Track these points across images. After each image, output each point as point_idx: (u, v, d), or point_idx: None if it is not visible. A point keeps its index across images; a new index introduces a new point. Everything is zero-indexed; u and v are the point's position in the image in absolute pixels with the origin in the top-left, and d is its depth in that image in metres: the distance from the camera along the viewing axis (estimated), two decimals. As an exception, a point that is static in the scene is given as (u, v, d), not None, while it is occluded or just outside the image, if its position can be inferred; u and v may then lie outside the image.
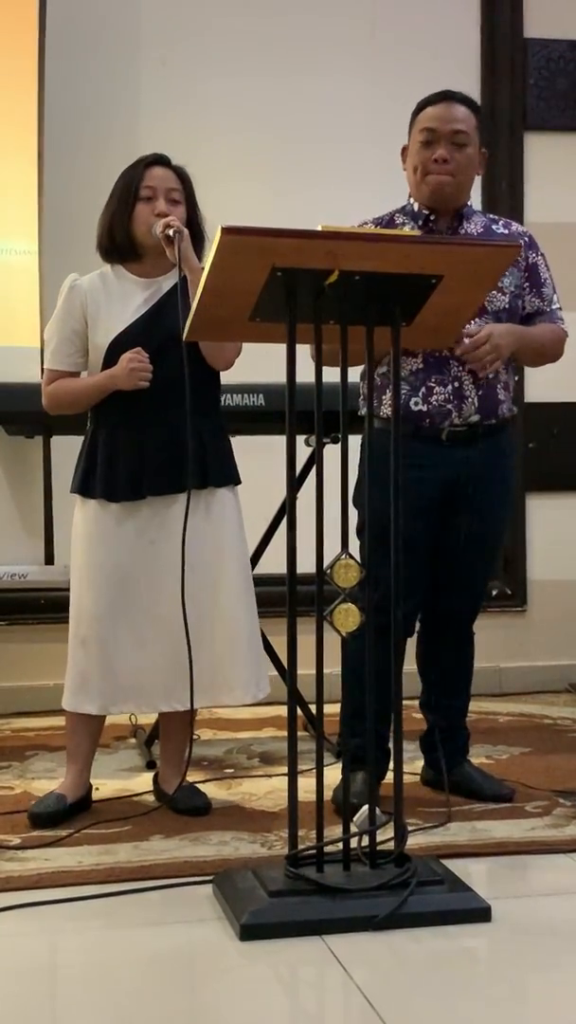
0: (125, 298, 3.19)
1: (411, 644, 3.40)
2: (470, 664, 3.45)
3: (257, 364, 3.29)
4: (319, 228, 2.54)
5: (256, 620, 3.27)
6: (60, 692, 3.27)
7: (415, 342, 2.94)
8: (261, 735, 4.07)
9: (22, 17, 4.23)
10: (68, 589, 3.24)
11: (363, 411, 3.19)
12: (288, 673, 2.59)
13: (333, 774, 2.90)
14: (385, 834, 2.66)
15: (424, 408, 3.19)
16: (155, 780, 3.35)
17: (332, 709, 2.78)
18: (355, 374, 2.80)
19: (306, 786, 2.64)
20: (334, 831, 2.71)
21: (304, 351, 2.64)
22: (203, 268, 3.08)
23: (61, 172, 4.30)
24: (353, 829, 2.63)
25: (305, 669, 2.58)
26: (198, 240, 3.19)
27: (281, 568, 2.61)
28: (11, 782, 3.52)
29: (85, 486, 3.18)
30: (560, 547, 4.86)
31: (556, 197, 4.84)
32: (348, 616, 2.60)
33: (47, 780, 3.45)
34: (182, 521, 3.05)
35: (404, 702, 2.71)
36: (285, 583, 2.57)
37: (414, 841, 2.83)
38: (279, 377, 2.69)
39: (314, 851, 2.58)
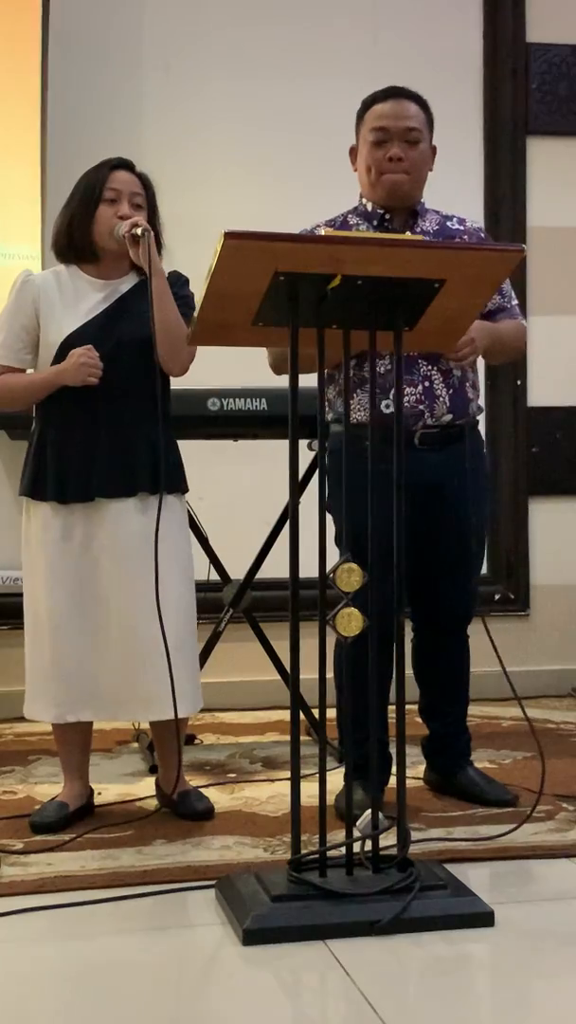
0: (79, 298, 3.14)
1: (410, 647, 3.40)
2: (466, 668, 3.43)
3: (259, 369, 3.29)
4: (322, 232, 2.55)
5: (193, 631, 3.19)
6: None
7: (417, 346, 2.94)
8: (264, 739, 4.07)
9: (25, 22, 4.24)
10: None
11: (330, 415, 3.18)
12: (291, 678, 2.59)
13: (336, 779, 2.90)
14: (388, 839, 2.65)
15: (392, 410, 3.09)
16: (157, 784, 3.35)
17: (335, 714, 2.79)
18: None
19: (309, 790, 2.64)
20: (337, 836, 2.71)
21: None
22: (163, 272, 3.08)
23: (64, 178, 4.27)
24: (356, 833, 2.62)
25: (307, 674, 2.58)
26: (158, 246, 3.15)
27: (283, 572, 2.61)
28: (14, 786, 3.52)
29: (34, 489, 3.13)
30: (563, 551, 4.86)
31: (558, 202, 4.85)
32: (351, 620, 2.60)
33: (50, 784, 3.45)
34: (131, 526, 3.05)
35: (405, 707, 2.70)
36: (288, 587, 2.56)
37: (417, 846, 2.82)
38: (281, 381, 2.70)
39: (317, 855, 2.58)
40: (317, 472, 2.67)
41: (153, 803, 3.30)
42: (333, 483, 2.93)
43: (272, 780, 3.55)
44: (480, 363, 3.37)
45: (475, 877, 2.75)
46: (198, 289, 2.63)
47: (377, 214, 3.26)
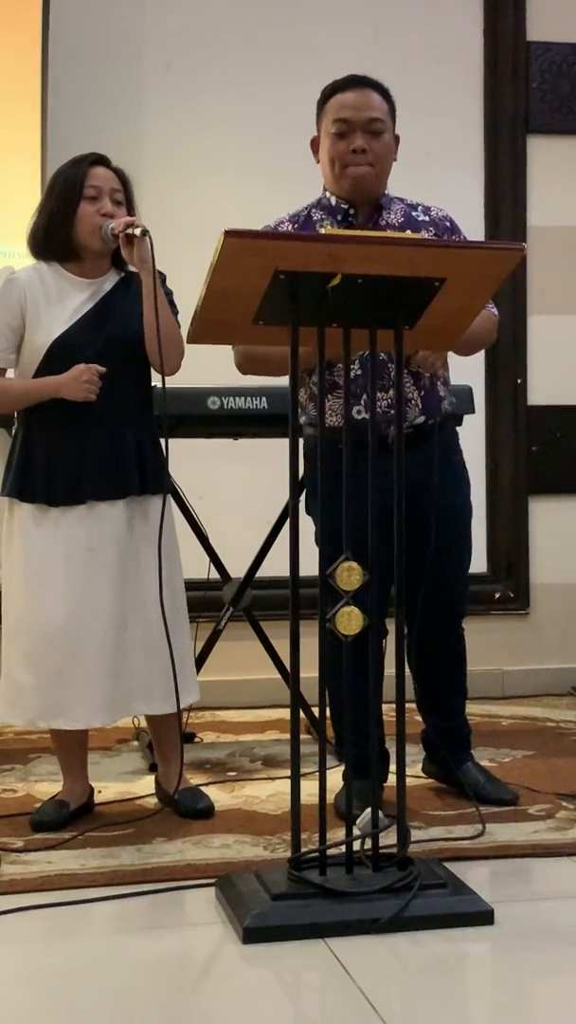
0: (63, 297, 3.11)
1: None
2: (463, 663, 3.42)
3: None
4: (322, 231, 2.55)
5: (185, 629, 3.20)
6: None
7: (419, 345, 2.94)
8: (264, 738, 4.07)
9: (25, 21, 4.24)
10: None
11: (302, 419, 3.16)
12: (291, 676, 2.59)
13: (336, 777, 2.90)
14: (388, 837, 2.66)
15: (368, 415, 2.93)
16: (157, 783, 3.35)
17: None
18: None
19: (309, 789, 2.64)
20: (337, 834, 2.71)
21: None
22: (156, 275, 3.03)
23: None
24: (356, 832, 2.63)
25: (307, 672, 2.58)
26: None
27: (283, 571, 2.61)
28: (14, 785, 3.52)
29: (22, 490, 3.09)
30: (562, 550, 4.86)
31: (559, 200, 4.84)
32: (351, 619, 2.60)
33: (50, 783, 3.45)
34: (122, 527, 3.05)
35: (404, 704, 2.70)
36: (288, 586, 2.56)
37: (417, 844, 2.83)
38: (281, 381, 2.70)
39: (317, 854, 2.58)
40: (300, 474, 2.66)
41: (153, 801, 3.30)
42: (310, 487, 2.92)
43: (272, 778, 3.55)
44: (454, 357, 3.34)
45: (475, 876, 2.75)
46: (197, 288, 2.62)
47: (341, 208, 3.20)
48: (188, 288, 3.10)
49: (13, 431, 3.19)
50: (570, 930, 2.53)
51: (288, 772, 2.62)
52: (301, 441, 2.92)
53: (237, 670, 4.36)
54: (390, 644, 2.78)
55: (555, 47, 4.84)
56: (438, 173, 4.58)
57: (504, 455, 4.83)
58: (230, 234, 2.46)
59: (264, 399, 3.85)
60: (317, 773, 2.60)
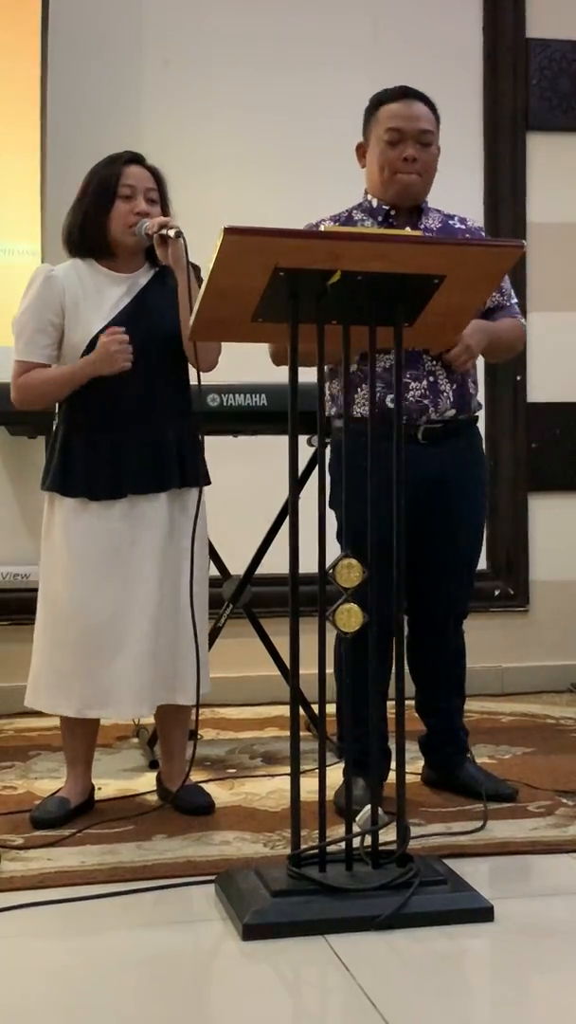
0: (100, 293, 3.13)
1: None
2: (462, 664, 3.44)
3: (259, 364, 3.29)
4: (322, 228, 2.55)
5: (205, 619, 3.22)
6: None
7: (418, 342, 2.94)
8: (263, 735, 4.07)
9: (24, 18, 4.23)
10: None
11: (331, 411, 3.20)
12: (291, 673, 2.59)
13: (335, 774, 2.90)
14: (388, 834, 2.66)
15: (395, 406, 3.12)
16: (158, 779, 3.35)
17: (334, 709, 2.79)
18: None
19: (308, 786, 2.64)
20: (336, 831, 2.71)
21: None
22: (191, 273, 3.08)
23: (64, 173, 4.29)
24: (355, 829, 2.63)
25: (307, 669, 2.58)
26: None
27: (283, 568, 2.61)
28: (14, 782, 3.52)
29: (64, 484, 3.11)
30: (562, 547, 4.86)
31: (558, 197, 4.84)
32: (350, 616, 2.60)
33: (50, 780, 3.46)
34: (162, 520, 3.06)
35: (404, 702, 2.70)
36: (287, 583, 2.56)
37: (416, 841, 2.83)
38: (281, 377, 2.70)
39: (316, 851, 2.58)
40: (317, 468, 2.67)
41: (153, 798, 3.31)
42: (335, 479, 2.94)
43: (272, 775, 3.55)
44: (479, 360, 3.38)
45: (474, 872, 2.75)
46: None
47: (383, 210, 3.27)
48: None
49: (54, 427, 3.22)
50: (569, 926, 2.54)
51: (288, 769, 2.62)
52: (298, 440, 2.92)
53: (237, 667, 4.36)
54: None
55: (554, 44, 4.84)
56: (438, 170, 4.58)
57: (504, 452, 4.83)
58: (230, 231, 2.46)
59: (264, 396, 3.85)
60: (317, 770, 2.60)
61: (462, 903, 2.53)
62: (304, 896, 2.50)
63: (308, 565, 2.59)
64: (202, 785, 3.32)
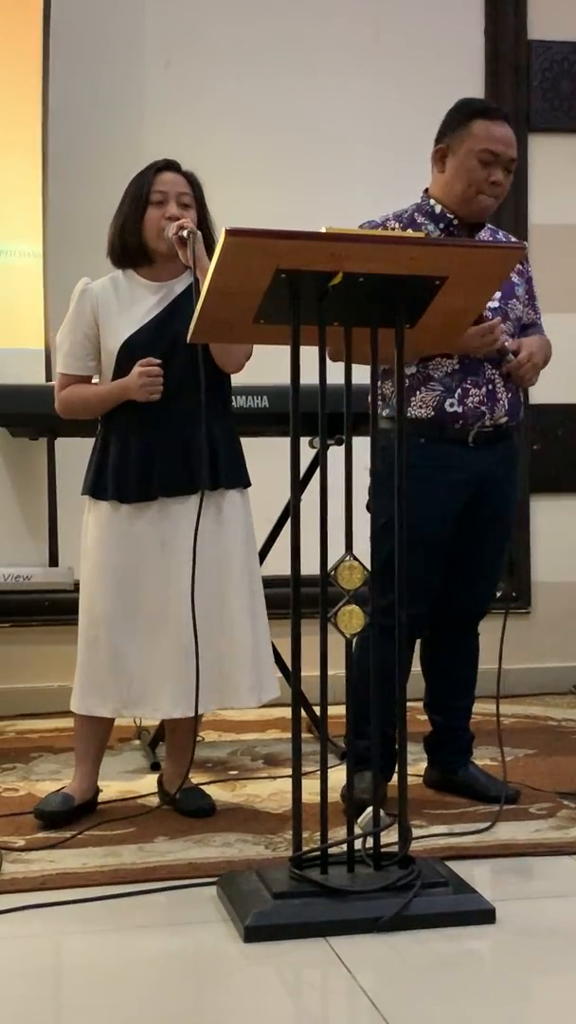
0: (136, 302, 3.19)
1: (417, 644, 3.40)
2: (475, 665, 3.46)
3: (261, 366, 3.29)
4: (323, 230, 2.54)
5: (264, 623, 3.26)
6: (64, 694, 3.28)
7: (419, 344, 2.94)
8: (265, 737, 4.07)
9: (26, 19, 4.24)
10: (72, 591, 3.25)
11: (384, 412, 3.21)
12: (292, 675, 2.59)
13: (337, 776, 2.90)
14: (389, 836, 2.66)
15: (459, 409, 3.19)
16: (159, 782, 3.35)
17: (336, 711, 2.78)
18: (359, 375, 2.77)
19: (310, 788, 2.64)
20: (338, 833, 2.71)
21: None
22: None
23: (66, 175, 4.31)
24: (357, 831, 2.63)
25: (309, 671, 2.58)
26: (210, 244, 3.19)
27: (285, 569, 2.61)
28: (15, 784, 3.52)
29: (96, 488, 3.18)
30: (565, 549, 4.86)
31: (560, 199, 4.85)
32: (352, 618, 2.60)
33: (51, 782, 3.46)
34: (195, 522, 3.05)
35: (408, 703, 2.70)
36: (289, 585, 2.56)
37: (418, 843, 2.83)
38: (283, 379, 2.69)
39: (318, 853, 2.58)
40: (319, 470, 2.67)
41: (155, 800, 3.30)
42: (382, 478, 2.95)
43: (273, 777, 3.55)
44: None
45: (476, 874, 2.75)
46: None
47: (447, 218, 3.28)
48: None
49: (97, 431, 3.26)
50: (571, 928, 2.53)
51: (289, 771, 2.62)
52: (300, 441, 2.93)
53: (238, 669, 4.35)
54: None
55: (556, 45, 4.84)
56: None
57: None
58: (231, 232, 2.46)
59: (265, 397, 3.85)
60: (318, 772, 2.60)
61: (464, 905, 2.53)
62: (306, 898, 2.50)
63: (310, 567, 2.59)
64: (204, 787, 3.32)
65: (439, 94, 4.69)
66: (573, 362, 4.87)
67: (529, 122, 4.83)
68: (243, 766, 3.72)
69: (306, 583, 2.57)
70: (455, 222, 3.28)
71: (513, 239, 3.54)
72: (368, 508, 3.11)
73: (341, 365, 2.65)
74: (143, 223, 3.17)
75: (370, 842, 2.62)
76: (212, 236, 3.21)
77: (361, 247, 2.56)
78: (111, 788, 3.41)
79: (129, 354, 3.13)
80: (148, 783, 3.45)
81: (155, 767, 3.58)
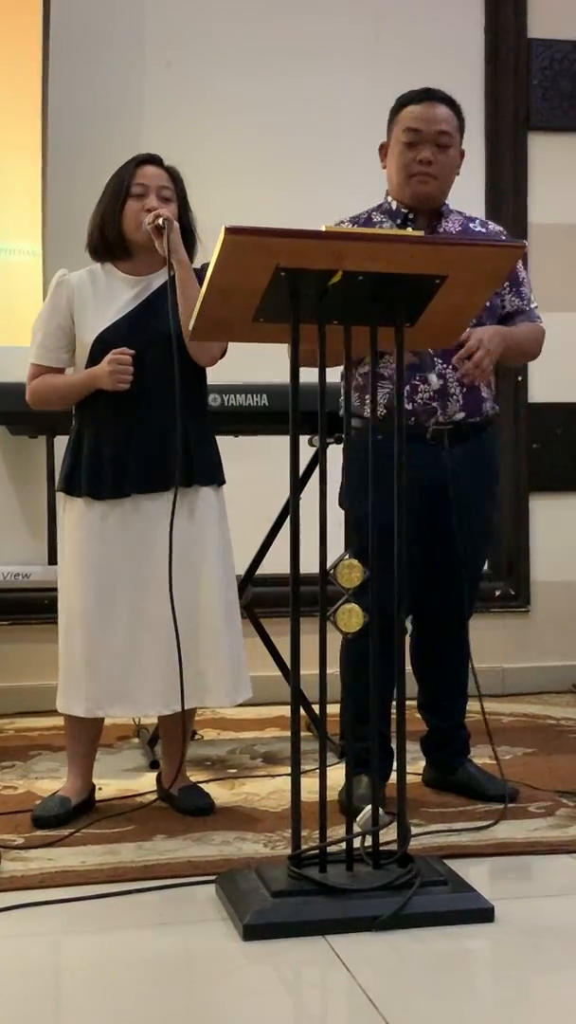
0: (112, 295, 3.18)
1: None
2: (466, 663, 3.43)
3: (260, 365, 3.29)
4: (323, 228, 2.55)
5: (238, 621, 3.23)
6: (64, 692, 3.27)
7: (419, 342, 2.94)
8: (264, 735, 4.07)
9: (26, 18, 4.23)
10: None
11: (341, 412, 3.20)
12: (291, 673, 2.59)
13: (336, 774, 2.90)
14: (388, 834, 2.66)
15: (409, 407, 3.14)
16: (158, 780, 3.35)
17: (335, 709, 2.79)
18: (333, 375, 2.75)
19: (309, 786, 2.64)
20: (337, 831, 2.71)
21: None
22: (191, 264, 3.10)
23: (65, 173, 4.30)
24: (356, 829, 2.63)
25: (308, 669, 2.58)
26: (189, 239, 3.20)
27: (284, 568, 2.61)
28: (14, 782, 3.52)
29: (70, 484, 3.16)
30: (563, 548, 4.86)
31: (560, 198, 4.84)
32: (351, 616, 2.60)
33: (50, 780, 3.46)
34: (168, 519, 3.05)
35: (406, 702, 2.70)
36: (288, 583, 2.56)
37: (417, 842, 2.83)
38: (282, 377, 2.70)
39: (317, 851, 2.58)
40: (318, 468, 2.67)
41: (153, 798, 3.30)
42: (346, 477, 2.95)
43: (272, 776, 3.55)
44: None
45: (475, 873, 2.75)
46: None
47: (401, 213, 3.28)
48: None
49: (71, 428, 3.25)
50: (570, 927, 2.54)
51: (288, 769, 2.62)
52: (299, 440, 2.93)
53: (237, 667, 4.36)
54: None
55: (556, 44, 4.84)
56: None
57: (505, 452, 4.81)
58: (231, 231, 2.46)
59: (265, 396, 3.86)
60: (317, 770, 2.60)
61: (463, 903, 2.53)
62: (304, 896, 2.50)
63: (309, 565, 2.59)
64: (202, 785, 3.32)
65: (416, 89, 4.68)
66: (572, 361, 4.88)
67: (529, 121, 4.83)
68: (242, 764, 3.72)
69: (305, 582, 2.57)
70: (410, 216, 3.26)
71: (492, 224, 3.44)
72: (340, 505, 3.10)
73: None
74: (123, 215, 3.15)
75: (369, 841, 2.62)
76: (193, 232, 3.21)
77: (360, 246, 2.56)
78: (110, 786, 3.41)
79: (103, 348, 3.10)
80: (147, 781, 3.45)
81: (154, 765, 3.58)
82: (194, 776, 3.39)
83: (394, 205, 3.30)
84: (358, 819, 2.64)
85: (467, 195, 4.69)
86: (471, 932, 2.48)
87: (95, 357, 3.12)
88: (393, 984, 2.28)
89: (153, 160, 3.22)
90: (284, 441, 2.65)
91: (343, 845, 2.61)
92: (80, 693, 3.13)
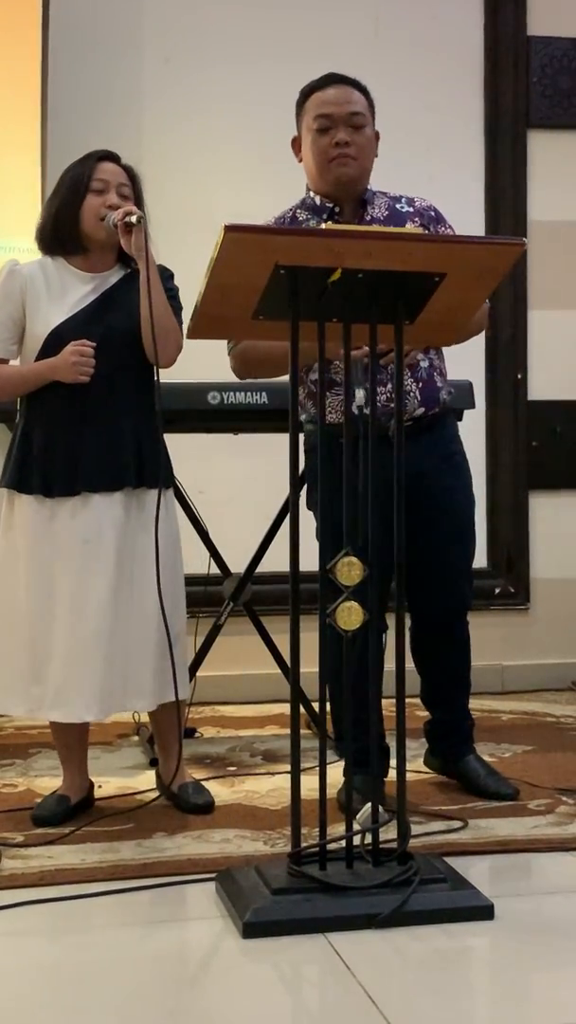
0: (65, 290, 3.13)
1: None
2: (467, 656, 3.43)
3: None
4: (322, 226, 2.55)
5: (182, 623, 3.19)
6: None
7: (418, 340, 2.94)
8: (264, 733, 4.07)
9: (25, 14, 4.23)
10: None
11: (303, 416, 3.17)
12: (291, 671, 2.59)
13: (336, 772, 2.90)
14: (388, 832, 2.66)
15: (367, 410, 3.04)
16: (157, 775, 3.35)
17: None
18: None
19: (309, 784, 2.64)
20: (337, 829, 2.71)
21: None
22: (153, 263, 3.05)
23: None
24: (356, 827, 2.63)
25: (307, 667, 2.58)
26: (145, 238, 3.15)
27: (284, 566, 2.61)
28: (14, 779, 3.52)
29: (20, 481, 3.10)
30: (562, 545, 4.86)
31: (559, 195, 4.85)
32: (351, 614, 2.60)
33: (50, 778, 3.46)
34: (118, 520, 3.04)
35: (405, 699, 2.70)
36: (288, 581, 2.56)
37: (417, 839, 2.83)
38: (282, 376, 2.70)
39: (317, 849, 2.58)
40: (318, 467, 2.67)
41: (153, 796, 3.30)
42: (310, 482, 2.93)
43: (272, 773, 3.55)
44: (472, 349, 3.35)
45: (475, 871, 2.75)
46: (197, 282, 2.62)
47: (326, 207, 3.21)
48: (186, 279, 3.12)
49: (15, 423, 3.20)
50: (570, 925, 2.53)
51: (288, 767, 2.62)
52: (302, 437, 2.93)
53: (237, 665, 4.37)
54: (390, 638, 2.78)
55: (555, 42, 4.84)
56: (438, 167, 4.59)
57: (504, 450, 4.83)
58: (230, 229, 2.46)
59: (264, 394, 3.85)
60: (317, 768, 2.60)
61: (462, 901, 2.53)
62: (304, 894, 2.50)
63: (309, 563, 2.59)
64: (202, 783, 3.32)
65: (439, 90, 4.71)
66: (570, 359, 4.89)
67: (528, 118, 4.83)
68: (242, 762, 3.72)
69: (305, 579, 2.57)
70: (337, 210, 3.20)
71: (420, 200, 3.29)
72: (308, 507, 3.09)
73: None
74: (81, 210, 3.10)
75: (368, 838, 2.62)
76: (146, 232, 3.11)
77: (360, 243, 2.55)
78: (110, 784, 3.42)
79: (58, 341, 3.05)
80: (147, 779, 3.45)
81: (154, 763, 3.57)
82: (194, 774, 3.39)
83: (317, 200, 3.22)
84: (358, 817, 2.64)
85: (466, 193, 4.73)
86: (471, 930, 2.48)
87: (48, 350, 3.07)
88: (393, 982, 2.28)
89: (111, 157, 3.18)
90: (283, 439, 2.64)
91: (343, 843, 2.61)
92: (22, 694, 3.08)
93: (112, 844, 2.95)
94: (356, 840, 2.61)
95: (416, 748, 3.42)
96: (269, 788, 3.40)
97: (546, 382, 4.85)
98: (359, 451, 2.63)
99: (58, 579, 3.06)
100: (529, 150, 4.83)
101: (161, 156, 4.47)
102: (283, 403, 2.66)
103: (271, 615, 4.03)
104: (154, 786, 3.35)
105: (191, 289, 2.72)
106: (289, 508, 2.63)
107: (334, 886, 2.52)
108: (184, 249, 3.21)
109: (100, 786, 3.32)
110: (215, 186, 4.51)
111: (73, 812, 3.13)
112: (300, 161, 3.26)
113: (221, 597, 4.02)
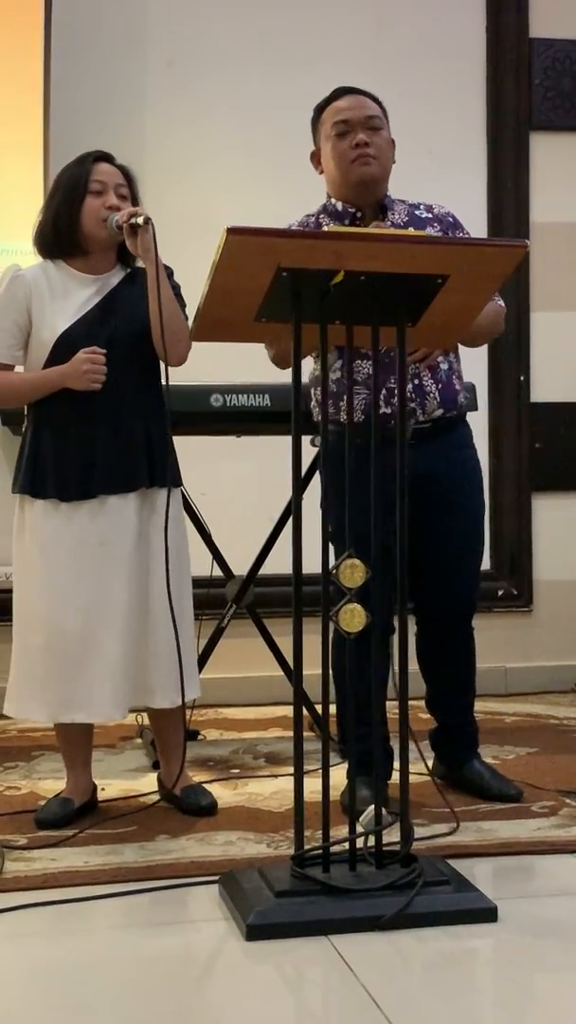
0: (69, 294, 3.12)
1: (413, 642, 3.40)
2: (472, 660, 3.43)
3: (262, 365, 3.29)
4: (325, 228, 2.55)
5: (190, 623, 3.19)
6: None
7: (421, 342, 2.94)
8: (267, 735, 4.07)
9: (27, 17, 4.24)
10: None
11: (317, 417, 3.18)
12: (294, 674, 2.59)
13: (339, 774, 2.90)
14: (391, 834, 2.66)
15: (388, 410, 3.08)
16: (159, 778, 3.35)
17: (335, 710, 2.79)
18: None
19: (312, 786, 2.64)
20: (340, 831, 2.71)
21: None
22: (160, 263, 3.04)
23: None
24: (359, 829, 2.63)
25: (310, 669, 2.58)
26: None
27: (287, 568, 2.61)
28: (18, 782, 3.52)
29: (34, 486, 3.10)
30: (566, 547, 4.86)
31: (562, 197, 4.84)
32: (354, 616, 2.60)
33: (53, 780, 3.46)
34: (132, 521, 3.05)
35: (408, 702, 2.70)
36: (291, 583, 2.56)
37: (420, 841, 2.83)
38: (284, 378, 2.70)
39: (320, 851, 2.58)
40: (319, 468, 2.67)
41: (156, 799, 3.30)
42: (327, 483, 2.93)
43: (275, 776, 3.55)
44: (474, 351, 3.35)
45: (478, 873, 2.75)
46: (200, 285, 2.63)
47: (348, 212, 3.24)
48: (188, 281, 3.12)
49: (24, 429, 3.20)
50: (573, 927, 2.53)
51: (291, 769, 2.62)
52: (306, 439, 2.93)
53: (240, 667, 4.37)
54: (393, 639, 2.78)
55: (558, 44, 4.84)
56: (440, 170, 4.58)
57: (507, 452, 4.83)
58: (233, 231, 2.46)
59: (267, 396, 3.85)
60: (320, 770, 2.60)
61: (466, 903, 2.53)
62: (307, 896, 2.50)
63: (311, 565, 2.59)
64: (205, 785, 3.32)
65: (441, 92, 4.71)
66: (573, 361, 4.89)
67: (531, 120, 4.83)
68: (245, 765, 3.72)
69: (307, 581, 2.57)
70: (358, 214, 3.23)
71: (438, 207, 3.33)
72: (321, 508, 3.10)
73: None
74: (81, 212, 3.10)
75: (372, 840, 2.62)
76: None
77: (362, 246, 2.56)
78: (112, 787, 3.42)
79: (67, 346, 3.05)
80: (150, 782, 3.45)
81: (156, 766, 3.57)
82: (197, 776, 3.40)
83: (339, 206, 3.26)
84: (361, 819, 2.64)
85: (469, 195, 4.72)
86: (474, 932, 2.48)
87: (56, 356, 3.07)
88: (396, 984, 2.28)
89: (107, 158, 3.17)
90: (286, 441, 2.64)
91: (346, 845, 2.61)
92: (44, 699, 3.08)
93: (115, 846, 2.95)
94: (359, 842, 2.61)
95: (417, 751, 3.41)
96: (272, 790, 3.40)
97: (549, 384, 4.85)
98: (372, 453, 2.63)
99: (76, 582, 3.06)
100: (532, 152, 4.83)
101: (163, 159, 4.48)
102: (285, 405, 2.65)
103: (274, 617, 4.03)
104: (156, 789, 3.35)
105: (193, 291, 2.72)
106: (292, 510, 2.63)
107: (337, 888, 2.52)
108: (186, 251, 3.22)
109: (103, 789, 3.32)
110: (217, 189, 4.51)
111: (77, 815, 3.13)
112: (320, 172, 3.30)
113: (224, 599, 4.02)
